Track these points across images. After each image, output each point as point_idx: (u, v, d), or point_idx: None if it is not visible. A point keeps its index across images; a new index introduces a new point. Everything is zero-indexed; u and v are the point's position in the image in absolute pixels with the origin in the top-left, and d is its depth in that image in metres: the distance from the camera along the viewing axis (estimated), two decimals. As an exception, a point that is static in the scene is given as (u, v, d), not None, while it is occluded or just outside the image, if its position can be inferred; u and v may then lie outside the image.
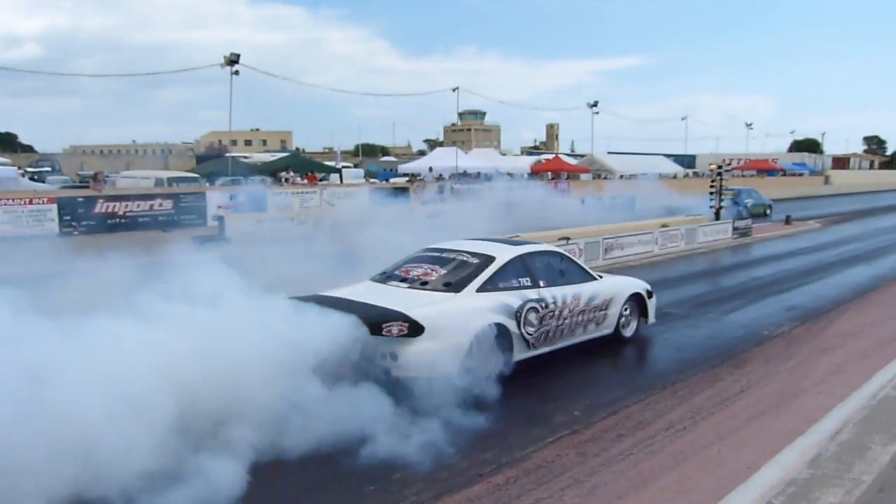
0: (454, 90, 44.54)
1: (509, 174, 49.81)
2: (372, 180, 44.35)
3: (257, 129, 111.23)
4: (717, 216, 24.04)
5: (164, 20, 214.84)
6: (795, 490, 5.28)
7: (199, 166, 40.29)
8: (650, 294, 10.15)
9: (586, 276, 9.29)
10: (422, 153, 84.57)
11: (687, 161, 70.16)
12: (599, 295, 9.15)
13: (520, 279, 8.22)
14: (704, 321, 11.30)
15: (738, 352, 9.37)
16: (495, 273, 8.04)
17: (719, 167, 24.84)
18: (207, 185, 29.14)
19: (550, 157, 62.04)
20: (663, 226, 20.70)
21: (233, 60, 31.41)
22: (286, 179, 34.30)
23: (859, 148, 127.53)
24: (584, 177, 53.45)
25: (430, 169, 47.20)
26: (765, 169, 71.59)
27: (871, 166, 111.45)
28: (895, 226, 30.35)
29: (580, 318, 8.85)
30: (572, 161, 60.70)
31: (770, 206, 36.48)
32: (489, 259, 8.23)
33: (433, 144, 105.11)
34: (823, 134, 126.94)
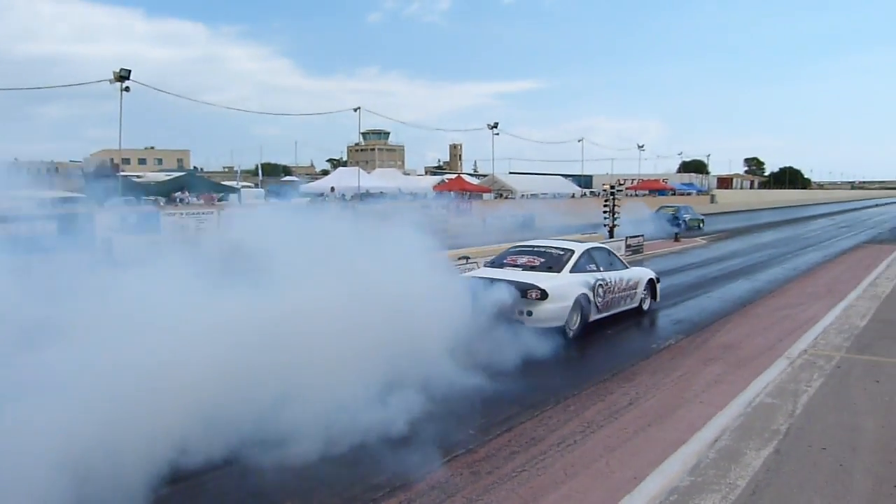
0: (355, 110, 44.40)
1: (412, 194, 50.03)
2: (272, 201, 43.43)
3: (152, 148, 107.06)
4: (611, 234, 24.95)
5: (52, 32, 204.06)
6: (677, 498, 5.49)
7: (88, 186, 38.25)
8: (658, 280, 13.90)
9: (623, 266, 13.03)
10: (325, 172, 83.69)
11: (584, 181, 72.81)
12: (632, 279, 12.85)
13: (589, 265, 11.71)
14: (597, 337, 11.62)
15: (627, 365, 9.69)
16: (577, 261, 11.46)
17: (612, 187, 25.86)
18: (95, 205, 27.69)
19: (453, 176, 62.82)
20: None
21: (122, 76, 30.13)
22: (181, 200, 33.14)
23: (741, 169, 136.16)
24: (486, 196, 54.38)
25: (332, 189, 46.79)
26: (656, 189, 75.15)
27: (752, 186, 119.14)
28: (773, 241, 32.42)
29: (622, 294, 12.42)
30: (474, 181, 61.71)
31: (703, 220, 39.95)
32: (570, 252, 11.67)
33: (337, 164, 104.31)
34: (709, 155, 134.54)
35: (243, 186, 47.33)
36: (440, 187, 54.89)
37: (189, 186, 36.47)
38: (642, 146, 79.93)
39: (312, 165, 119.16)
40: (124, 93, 30.43)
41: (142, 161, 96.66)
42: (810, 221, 51.91)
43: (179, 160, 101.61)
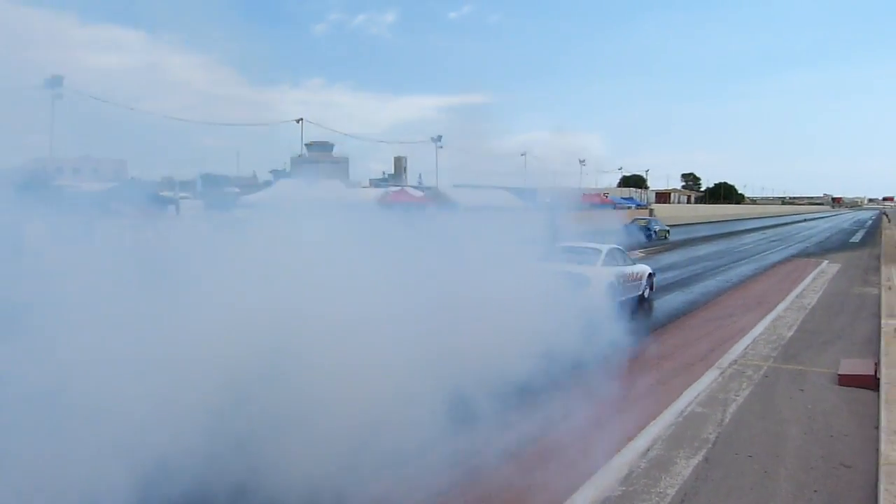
0: (298, 121, 43.99)
1: (357, 206, 49.73)
2: (212, 212, 42.51)
3: (87, 157, 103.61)
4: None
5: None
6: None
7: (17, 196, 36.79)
8: (654, 274, 17.49)
9: (633, 262, 16.80)
10: (268, 184, 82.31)
11: (527, 195, 73.56)
12: (638, 272, 16.38)
13: (613, 259, 15.19)
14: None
15: (563, 377, 9.77)
16: (605, 256, 14.85)
17: (553, 201, 26.21)
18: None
19: (397, 189, 62.71)
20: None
21: (54, 83, 29.19)
22: (115, 211, 32.14)
23: (678, 184, 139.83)
24: (430, 209, 54.38)
25: (274, 200, 46.16)
26: (597, 203, 76.54)
27: (689, 200, 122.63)
28: (708, 254, 33.40)
29: (633, 283, 15.87)
30: (419, 193, 61.68)
31: (668, 231, 42.54)
32: (599, 250, 15.03)
33: (280, 176, 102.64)
34: (647, 171, 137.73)
35: (182, 197, 46.20)
36: (385, 199, 54.69)
37: (125, 197, 35.42)
38: (583, 161, 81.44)
39: (255, 177, 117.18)
40: (56, 100, 29.47)
41: (76, 170, 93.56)
42: (743, 235, 53.67)
43: (116, 170, 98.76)
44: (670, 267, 26.52)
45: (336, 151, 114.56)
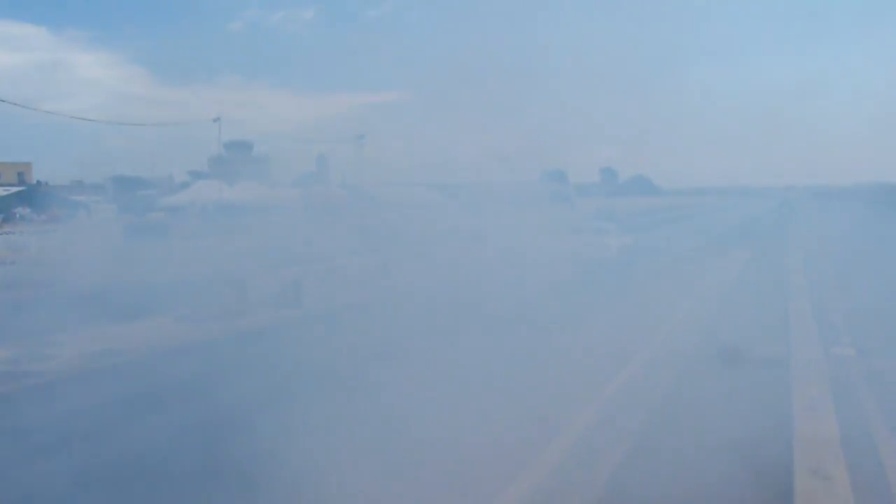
0: (215, 120, 42.80)
1: (279, 207, 48.85)
2: (125, 216, 40.97)
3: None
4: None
5: None
6: (541, 500, 5.62)
7: None
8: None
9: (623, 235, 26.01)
10: (185, 185, 79.74)
11: (451, 191, 73.86)
12: (627, 241, 25.16)
13: (617, 232, 25.21)
14: (465, 343, 11.77)
15: (493, 372, 9.85)
16: (614, 231, 25.24)
17: (477, 197, 26.48)
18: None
19: (321, 188, 61.90)
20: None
21: (-53, 82, 27.36)
22: (21, 216, 30.54)
23: (597, 178, 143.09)
24: (354, 208, 53.95)
25: (192, 203, 44.78)
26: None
27: (608, 193, 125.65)
28: (625, 247, 34.26)
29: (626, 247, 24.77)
30: (343, 193, 61.07)
31: None
32: (609, 228, 25.26)
33: (198, 177, 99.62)
34: (567, 165, 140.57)
35: (93, 201, 44.29)
36: (308, 199, 53.92)
37: (31, 202, 33.69)
38: (507, 156, 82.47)
39: (171, 178, 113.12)
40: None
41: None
42: (661, 226, 55.42)
43: (20, 173, 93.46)
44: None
45: (256, 151, 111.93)
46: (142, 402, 8.75)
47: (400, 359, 10.25)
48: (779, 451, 6.36)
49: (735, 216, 66.02)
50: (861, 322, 12.71)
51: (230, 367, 10.47)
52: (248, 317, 14.24)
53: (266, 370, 10.37)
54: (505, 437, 6.89)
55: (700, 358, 10.27)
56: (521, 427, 7.18)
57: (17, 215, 31.29)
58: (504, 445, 6.65)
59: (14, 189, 43.52)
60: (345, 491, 5.72)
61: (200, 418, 7.90)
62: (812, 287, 17.55)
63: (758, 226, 47.70)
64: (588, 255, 22.15)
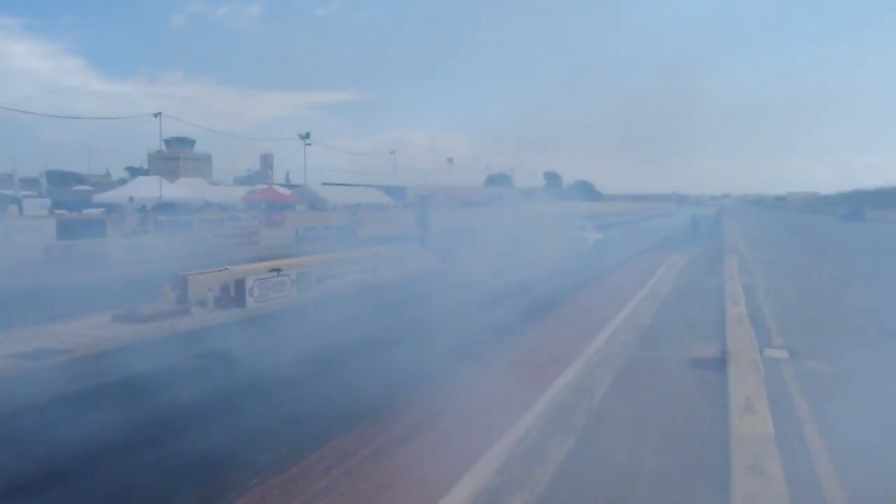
0: (156, 115, 41.70)
1: (221, 205, 47.88)
2: (60, 211, 39.40)
3: None
4: (424, 243, 25.47)
5: None
6: (488, 499, 5.64)
7: None
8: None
9: (597, 230, 33.30)
10: (124, 182, 77.41)
11: (397, 192, 73.74)
12: (600, 236, 32.48)
13: (592, 229, 32.15)
14: (413, 344, 11.78)
15: (442, 371, 9.88)
16: (589, 227, 32.36)
17: (423, 199, 26.47)
18: None
19: (264, 187, 60.97)
20: (375, 254, 21.37)
21: None
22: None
23: (541, 182, 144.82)
24: (299, 207, 53.35)
25: (131, 199, 43.47)
26: (467, 200, 78.06)
27: (552, 198, 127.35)
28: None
29: (600, 241, 31.59)
30: (287, 192, 60.31)
31: None
32: (586, 225, 32.19)
33: (137, 173, 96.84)
34: (512, 169, 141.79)
35: (25, 196, 42.51)
36: (251, 198, 53.07)
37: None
38: (451, 159, 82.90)
39: (108, 174, 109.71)
40: None
41: None
42: (605, 230, 56.51)
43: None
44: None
45: (198, 148, 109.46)
46: (73, 403, 8.47)
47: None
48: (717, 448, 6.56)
49: (678, 220, 68.44)
50: (792, 323, 13.21)
51: (169, 370, 10.23)
52: (191, 316, 13.94)
53: (205, 371, 10.17)
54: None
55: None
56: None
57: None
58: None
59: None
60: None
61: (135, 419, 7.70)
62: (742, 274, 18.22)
63: (699, 227, 49.26)
64: (574, 246, 29.26)
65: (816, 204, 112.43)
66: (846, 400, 8.46)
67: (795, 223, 61.39)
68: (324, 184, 71.37)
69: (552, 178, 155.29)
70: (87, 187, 71.05)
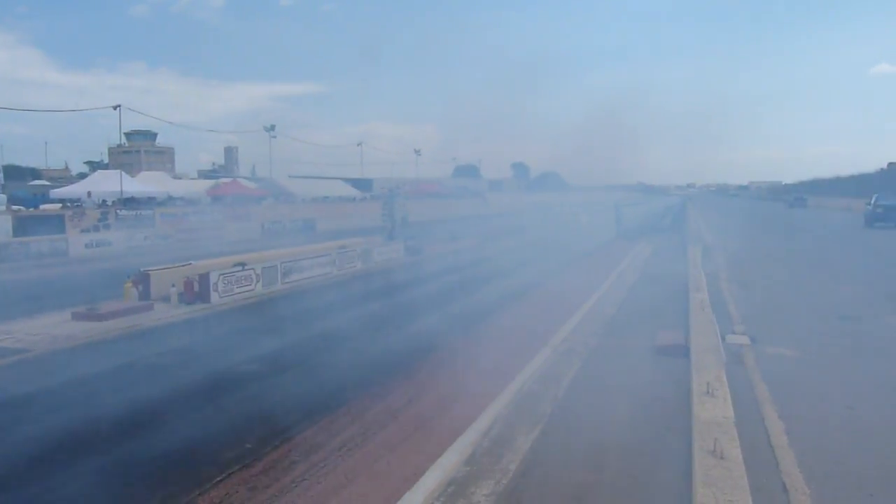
0: (115, 108, 40.81)
1: (184, 198, 47.14)
2: (16, 207, 38.37)
3: None
4: (391, 236, 25.37)
5: None
6: (454, 489, 5.65)
7: None
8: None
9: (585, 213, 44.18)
10: (83, 176, 75.77)
11: (364, 185, 73.43)
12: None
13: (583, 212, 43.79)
14: (379, 337, 11.76)
15: (407, 363, 9.87)
16: (582, 212, 44.09)
17: (390, 190, 26.36)
18: None
19: (229, 180, 60.13)
20: (341, 247, 21.22)
21: None
22: None
23: (509, 173, 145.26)
24: (266, 202, 52.71)
25: (89, 194, 42.50)
26: (434, 192, 78.09)
27: (520, 189, 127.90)
28: (540, 239, 35.11)
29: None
30: (252, 185, 59.55)
31: None
32: (576, 209, 44.80)
33: (97, 167, 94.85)
34: (480, 160, 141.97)
35: (-21, 191, 41.32)
36: (215, 191, 52.28)
37: None
38: (419, 151, 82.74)
39: (67, 168, 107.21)
40: None
41: None
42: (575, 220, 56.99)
43: None
44: (507, 251, 27.59)
45: (160, 141, 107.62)
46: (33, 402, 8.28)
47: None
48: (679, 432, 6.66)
49: (648, 208, 69.93)
50: (754, 308, 13.46)
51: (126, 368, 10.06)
52: (154, 312, 13.70)
53: (167, 369, 10.02)
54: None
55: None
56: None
57: None
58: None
59: None
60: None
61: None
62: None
63: (668, 214, 50.22)
64: (571, 225, 37.92)
65: (778, 192, 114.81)
66: (805, 383, 8.66)
67: (750, 210, 68.07)
68: (290, 176, 70.65)
69: (520, 168, 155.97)
70: (44, 182, 69.37)
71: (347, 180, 72.54)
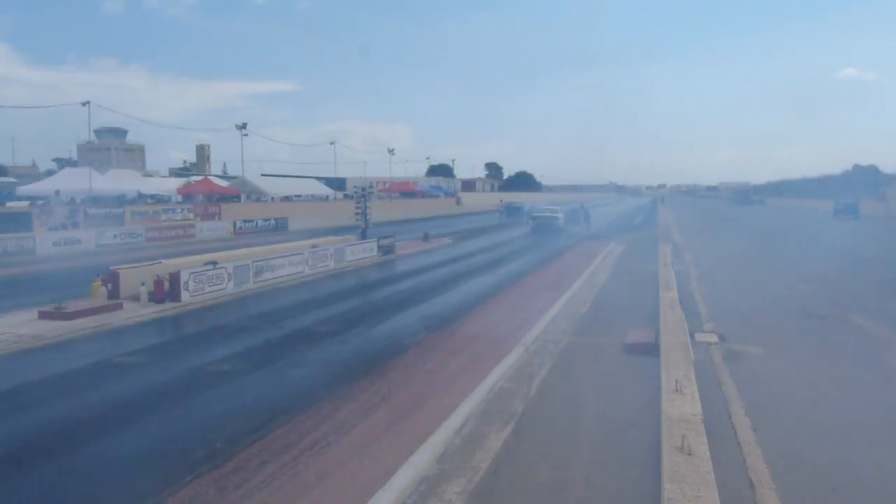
0: (84, 104, 40.08)
1: (154, 197, 46.52)
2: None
3: None
4: (364, 235, 25.30)
5: None
6: (426, 487, 5.67)
7: None
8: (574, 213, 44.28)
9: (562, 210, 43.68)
10: (51, 173, 74.33)
11: (337, 184, 73.05)
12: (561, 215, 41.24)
13: (562, 211, 42.69)
14: (351, 336, 11.71)
15: (380, 362, 9.85)
16: (560, 210, 42.84)
17: (363, 189, 26.27)
18: None
19: (200, 178, 59.41)
20: (313, 246, 21.12)
21: None
22: None
23: (482, 173, 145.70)
24: (240, 201, 52.19)
25: (57, 192, 41.72)
26: (407, 191, 77.92)
27: (493, 189, 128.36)
28: (512, 238, 35.27)
29: (574, 217, 43.32)
30: (224, 183, 58.91)
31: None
32: (556, 210, 42.15)
33: (65, 164, 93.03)
34: (454, 160, 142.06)
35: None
36: (187, 189, 51.65)
37: None
38: (392, 150, 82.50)
39: (35, 165, 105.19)
40: None
41: None
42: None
43: None
44: (479, 252, 27.65)
45: (130, 138, 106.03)
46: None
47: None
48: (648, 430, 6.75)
49: (622, 207, 71.02)
50: (721, 306, 13.68)
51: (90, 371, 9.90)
52: (123, 311, 13.51)
53: (135, 368, 9.89)
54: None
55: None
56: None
57: None
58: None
59: None
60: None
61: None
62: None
63: (640, 213, 50.81)
64: (552, 224, 38.60)
65: (746, 193, 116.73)
66: (771, 380, 8.83)
67: (711, 209, 76.52)
68: (262, 175, 69.99)
69: (493, 168, 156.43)
70: (11, 179, 67.91)
71: (320, 179, 72.05)
